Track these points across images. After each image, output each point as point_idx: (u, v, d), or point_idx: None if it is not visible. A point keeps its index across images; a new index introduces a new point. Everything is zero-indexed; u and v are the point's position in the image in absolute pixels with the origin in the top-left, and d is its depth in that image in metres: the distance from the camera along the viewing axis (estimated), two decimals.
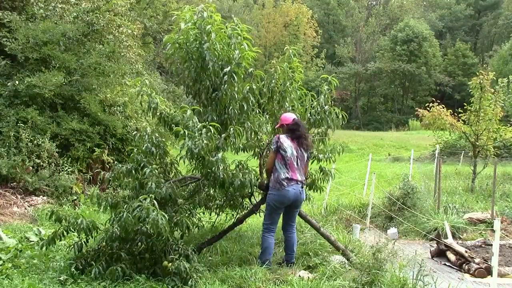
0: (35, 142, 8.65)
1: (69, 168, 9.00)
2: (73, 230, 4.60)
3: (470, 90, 11.33)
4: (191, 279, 4.26)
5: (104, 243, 4.55)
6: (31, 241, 5.83)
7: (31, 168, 8.55)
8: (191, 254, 4.51)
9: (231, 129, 4.82)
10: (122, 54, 10.85)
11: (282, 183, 4.79)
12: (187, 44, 5.03)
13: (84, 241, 4.65)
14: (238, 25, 5.13)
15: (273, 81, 5.23)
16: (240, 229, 6.37)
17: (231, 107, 5.04)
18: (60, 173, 8.76)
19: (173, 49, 5.13)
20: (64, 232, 4.63)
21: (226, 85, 4.92)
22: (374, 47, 45.71)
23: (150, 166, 4.75)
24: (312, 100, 5.50)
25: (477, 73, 11.16)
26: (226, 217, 6.16)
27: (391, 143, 24.19)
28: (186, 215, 4.84)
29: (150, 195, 4.29)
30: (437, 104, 11.63)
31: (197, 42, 4.99)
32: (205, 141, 4.41)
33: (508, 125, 12.75)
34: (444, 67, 42.61)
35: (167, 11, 24.86)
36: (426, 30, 41.24)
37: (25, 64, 9.51)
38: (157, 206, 4.20)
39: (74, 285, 4.23)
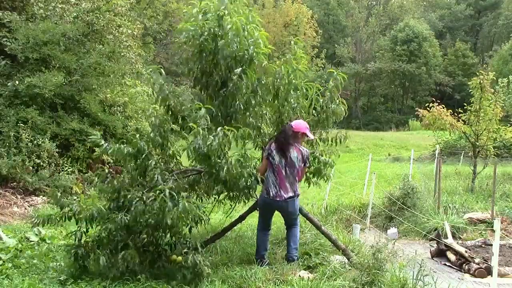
0: (35, 142, 8.66)
1: (69, 168, 9.01)
2: (69, 219, 4.45)
3: (470, 90, 11.32)
4: (202, 272, 4.23)
5: (104, 234, 4.44)
6: (31, 241, 5.83)
7: (31, 168, 8.55)
8: (200, 247, 4.45)
9: (240, 130, 4.74)
10: (122, 54, 10.86)
11: (268, 191, 4.89)
12: (202, 36, 4.88)
13: (83, 231, 4.51)
14: (252, 13, 5.04)
15: (278, 80, 5.15)
16: (240, 229, 6.37)
17: (238, 101, 4.95)
18: (60, 173, 8.78)
19: (186, 39, 4.98)
20: (60, 218, 4.45)
21: (236, 82, 4.81)
22: (374, 47, 45.65)
23: (152, 158, 4.64)
24: (318, 95, 5.46)
25: (477, 73, 11.15)
26: (225, 217, 6.14)
27: (391, 143, 24.17)
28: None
29: (164, 187, 4.23)
30: (437, 104, 11.61)
31: (213, 34, 4.86)
32: (217, 141, 4.35)
33: (508, 125, 12.74)
34: (444, 67, 42.55)
35: (167, 11, 24.85)
36: (426, 30, 41.18)
37: (25, 64, 9.52)
38: (176, 197, 4.17)
39: (74, 285, 4.22)
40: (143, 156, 4.68)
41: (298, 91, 5.24)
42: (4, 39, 9.27)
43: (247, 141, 5.06)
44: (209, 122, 4.64)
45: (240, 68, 4.83)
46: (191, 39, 4.96)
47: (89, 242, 4.52)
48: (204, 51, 4.94)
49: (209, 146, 4.33)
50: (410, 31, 40.09)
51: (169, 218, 4.10)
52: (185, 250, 4.33)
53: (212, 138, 4.37)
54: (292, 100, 5.16)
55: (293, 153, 4.90)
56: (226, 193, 5.41)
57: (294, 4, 40.11)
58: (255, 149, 5.62)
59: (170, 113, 5.15)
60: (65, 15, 10.26)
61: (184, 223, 4.27)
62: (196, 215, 4.45)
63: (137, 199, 4.27)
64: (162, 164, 4.77)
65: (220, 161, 4.51)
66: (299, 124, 5.00)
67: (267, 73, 5.17)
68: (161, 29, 23.35)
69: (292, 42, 5.45)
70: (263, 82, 5.11)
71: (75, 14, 10.21)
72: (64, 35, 9.75)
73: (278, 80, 5.12)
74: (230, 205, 5.91)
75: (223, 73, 4.92)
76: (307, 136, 5.03)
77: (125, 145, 4.71)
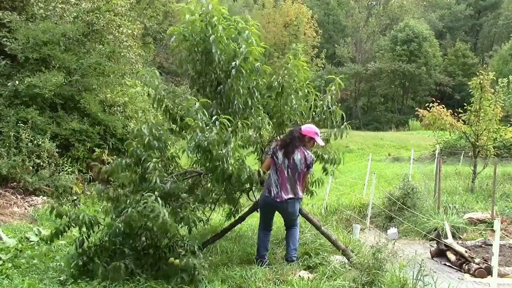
0: (35, 142, 8.66)
1: (69, 168, 9.01)
2: (74, 225, 4.48)
3: (470, 90, 11.32)
4: (198, 275, 4.21)
5: (106, 238, 4.47)
6: (31, 241, 5.83)
7: (31, 168, 8.55)
8: (197, 250, 4.44)
9: (239, 122, 4.73)
10: (122, 54, 10.87)
11: (270, 190, 4.89)
12: (192, 36, 4.90)
13: (85, 237, 4.53)
14: (247, 21, 5.05)
15: (286, 76, 5.12)
16: (240, 229, 6.37)
17: (235, 101, 4.94)
18: (60, 173, 8.77)
19: (178, 41, 5.00)
20: (66, 228, 4.49)
21: (232, 79, 4.80)
22: (374, 47, 45.68)
23: (152, 160, 4.62)
24: (316, 100, 5.47)
25: (477, 73, 11.15)
26: (225, 218, 6.14)
27: (391, 143, 24.17)
28: (191, 209, 4.73)
29: (155, 192, 4.20)
30: (437, 104, 11.62)
31: (203, 34, 4.86)
32: (215, 133, 4.33)
33: (508, 125, 12.74)
34: (444, 67, 42.57)
35: (167, 11, 24.86)
36: (426, 30, 41.20)
37: (25, 64, 9.52)
38: (162, 203, 4.11)
39: (74, 285, 4.22)
40: (142, 159, 4.67)
41: (300, 92, 5.24)
42: (4, 39, 9.27)
43: (244, 134, 5.08)
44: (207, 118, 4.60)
45: (236, 61, 4.80)
46: (182, 41, 4.96)
47: (91, 247, 4.51)
48: (197, 52, 4.93)
49: (208, 137, 4.29)
50: (410, 31, 40.12)
51: (152, 224, 4.05)
52: (183, 253, 4.32)
53: (210, 129, 4.35)
54: (293, 101, 5.16)
55: (297, 156, 4.87)
56: (223, 194, 5.41)
57: (294, 4, 40.14)
58: (254, 153, 5.62)
59: (168, 114, 5.15)
60: (65, 15, 10.26)
61: (169, 226, 4.15)
62: (189, 218, 4.43)
63: (130, 204, 4.27)
64: (161, 166, 4.75)
65: (222, 152, 4.42)
66: (308, 128, 4.99)
67: (262, 74, 5.16)
68: (161, 29, 23.35)
69: (299, 49, 5.38)
70: (260, 83, 5.11)
71: (75, 14, 10.21)
72: (64, 35, 9.75)
73: (286, 77, 5.11)
74: (230, 209, 5.92)
75: (217, 70, 4.90)
76: (316, 141, 5.01)
77: (121, 158, 4.83)
